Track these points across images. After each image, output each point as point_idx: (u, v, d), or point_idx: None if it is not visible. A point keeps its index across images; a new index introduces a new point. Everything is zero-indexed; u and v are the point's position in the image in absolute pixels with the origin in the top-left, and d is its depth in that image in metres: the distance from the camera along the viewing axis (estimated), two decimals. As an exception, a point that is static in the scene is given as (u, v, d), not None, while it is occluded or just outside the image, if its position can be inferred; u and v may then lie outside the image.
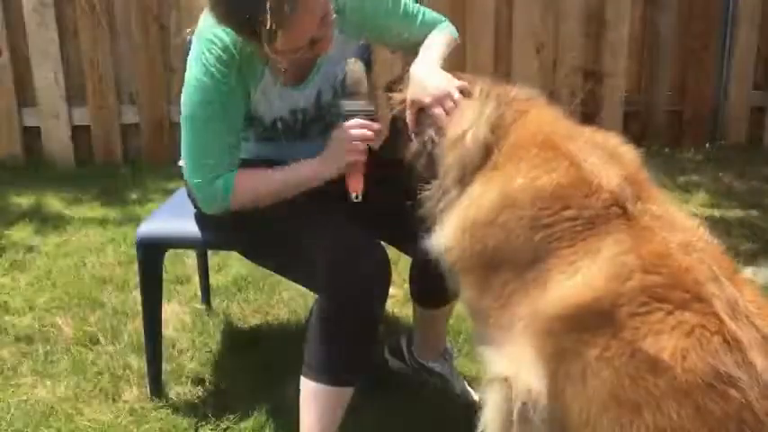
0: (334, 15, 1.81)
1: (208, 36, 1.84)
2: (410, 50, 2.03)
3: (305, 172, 1.91)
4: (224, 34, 1.82)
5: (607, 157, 1.66)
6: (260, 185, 1.91)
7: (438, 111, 1.82)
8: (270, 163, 1.95)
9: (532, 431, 1.53)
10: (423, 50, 1.99)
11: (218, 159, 1.89)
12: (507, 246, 1.60)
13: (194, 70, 1.86)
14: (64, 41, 4.50)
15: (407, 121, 1.89)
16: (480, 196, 1.68)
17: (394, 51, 2.09)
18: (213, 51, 1.82)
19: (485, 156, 1.73)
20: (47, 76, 4.50)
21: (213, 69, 1.82)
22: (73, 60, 4.55)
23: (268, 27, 1.65)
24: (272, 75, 1.92)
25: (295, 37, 1.72)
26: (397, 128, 1.97)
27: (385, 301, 1.92)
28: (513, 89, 1.86)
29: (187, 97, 1.88)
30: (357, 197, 1.88)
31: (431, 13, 2.10)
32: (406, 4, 2.04)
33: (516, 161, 1.68)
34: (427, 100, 1.83)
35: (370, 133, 1.89)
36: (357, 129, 1.88)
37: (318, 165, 1.91)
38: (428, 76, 1.88)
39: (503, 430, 1.57)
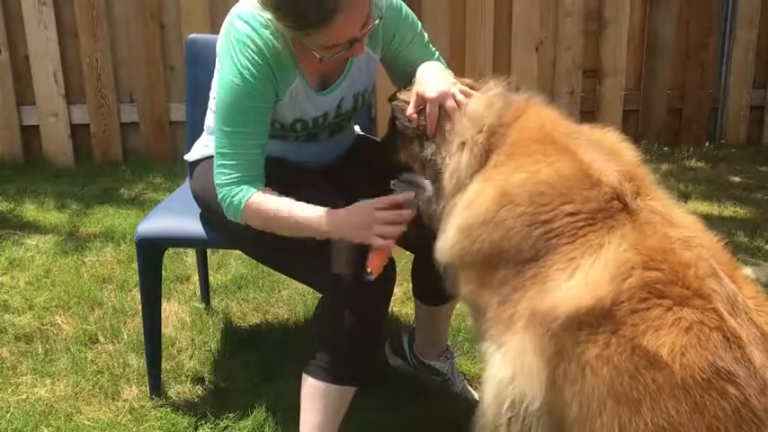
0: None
1: (241, 39, 1.84)
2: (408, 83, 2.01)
3: (324, 226, 1.81)
4: (257, 37, 1.83)
5: (606, 153, 1.66)
6: (272, 217, 1.85)
7: (432, 110, 1.83)
8: (273, 160, 1.95)
9: (527, 430, 1.53)
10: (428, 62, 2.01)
11: (242, 161, 1.88)
12: (506, 242, 1.60)
13: (227, 71, 1.87)
14: (64, 41, 4.50)
15: (409, 114, 1.89)
16: (479, 194, 1.68)
17: (394, 81, 2.10)
18: (246, 54, 1.83)
19: (483, 161, 1.74)
20: (46, 75, 4.49)
21: (246, 73, 1.84)
22: (72, 59, 4.54)
23: (321, 14, 1.68)
24: (303, 79, 1.92)
25: (339, 32, 1.74)
26: (395, 129, 1.97)
27: (389, 301, 1.93)
28: (513, 92, 1.87)
29: (220, 99, 1.89)
30: (370, 277, 1.79)
31: (441, 58, 2.11)
32: (428, 40, 2.09)
33: (516, 158, 1.68)
34: (430, 94, 1.84)
35: (400, 228, 1.79)
36: (390, 213, 1.79)
37: (340, 227, 1.81)
38: (434, 75, 1.91)
39: (497, 429, 1.57)
